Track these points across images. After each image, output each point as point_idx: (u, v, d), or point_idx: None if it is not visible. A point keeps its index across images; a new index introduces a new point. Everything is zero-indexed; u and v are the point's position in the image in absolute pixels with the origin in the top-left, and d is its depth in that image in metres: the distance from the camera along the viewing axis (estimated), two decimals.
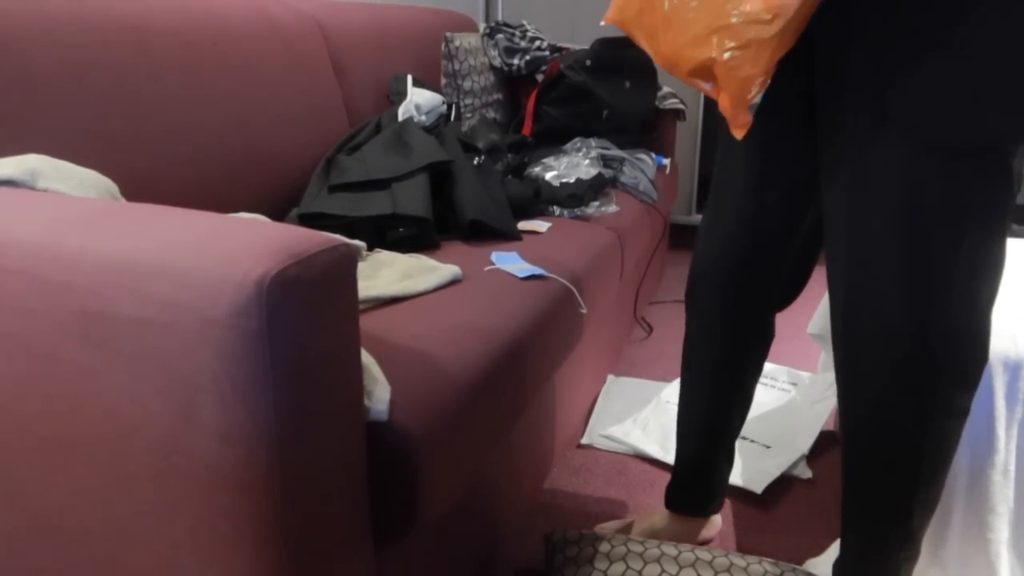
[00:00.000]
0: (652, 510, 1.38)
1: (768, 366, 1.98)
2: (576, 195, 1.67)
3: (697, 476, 1.26)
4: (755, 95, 0.85)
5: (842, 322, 0.93)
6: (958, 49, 0.79)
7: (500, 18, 2.99)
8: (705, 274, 1.13)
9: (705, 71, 0.85)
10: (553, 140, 2.03)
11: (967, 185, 0.82)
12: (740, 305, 1.11)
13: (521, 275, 1.19)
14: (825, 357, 1.75)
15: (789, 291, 1.13)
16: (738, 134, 0.87)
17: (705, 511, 1.28)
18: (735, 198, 1.06)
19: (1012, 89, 0.78)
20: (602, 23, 0.96)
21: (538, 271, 1.22)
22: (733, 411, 1.21)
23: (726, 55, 0.82)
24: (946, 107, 0.80)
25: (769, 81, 0.84)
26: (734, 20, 0.81)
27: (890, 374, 0.90)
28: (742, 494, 1.46)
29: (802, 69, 0.95)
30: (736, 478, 1.49)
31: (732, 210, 1.07)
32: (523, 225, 1.50)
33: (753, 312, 1.12)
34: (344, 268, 0.65)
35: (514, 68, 2.29)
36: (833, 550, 1.20)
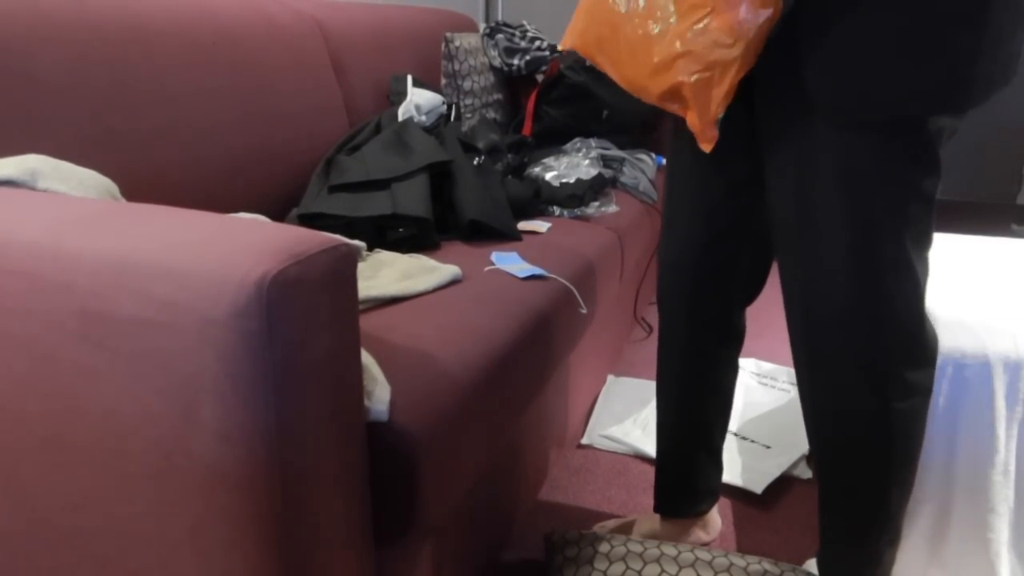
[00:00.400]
0: (653, 511, 1.38)
1: (768, 366, 1.98)
2: (576, 195, 1.67)
3: (678, 477, 1.26)
4: (720, 112, 0.90)
5: (800, 313, 0.96)
6: (862, 25, 0.82)
7: (500, 18, 2.99)
8: (667, 276, 1.16)
9: (675, 94, 0.90)
10: (553, 140, 2.03)
11: (900, 166, 0.86)
12: (701, 304, 1.14)
13: (521, 275, 1.19)
14: None
15: (751, 287, 1.15)
16: (706, 147, 0.92)
17: (693, 511, 1.28)
18: (685, 201, 1.10)
19: (915, 59, 0.81)
20: (560, 48, 1.00)
21: (538, 271, 1.22)
22: (709, 410, 1.21)
23: (693, 78, 0.87)
24: (856, 84, 0.83)
25: (732, 98, 0.89)
26: (697, 48, 0.86)
27: (849, 361, 0.92)
28: (742, 494, 1.46)
29: None
30: (736, 478, 1.49)
31: (684, 211, 1.11)
32: (523, 225, 1.50)
33: (715, 310, 1.14)
34: (344, 268, 0.65)
35: (514, 68, 2.29)
36: None
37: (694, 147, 1.06)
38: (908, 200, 0.87)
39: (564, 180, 1.70)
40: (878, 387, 0.92)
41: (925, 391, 0.95)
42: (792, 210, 0.92)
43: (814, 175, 0.89)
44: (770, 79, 0.92)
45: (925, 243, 0.90)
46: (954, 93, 0.82)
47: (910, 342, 0.92)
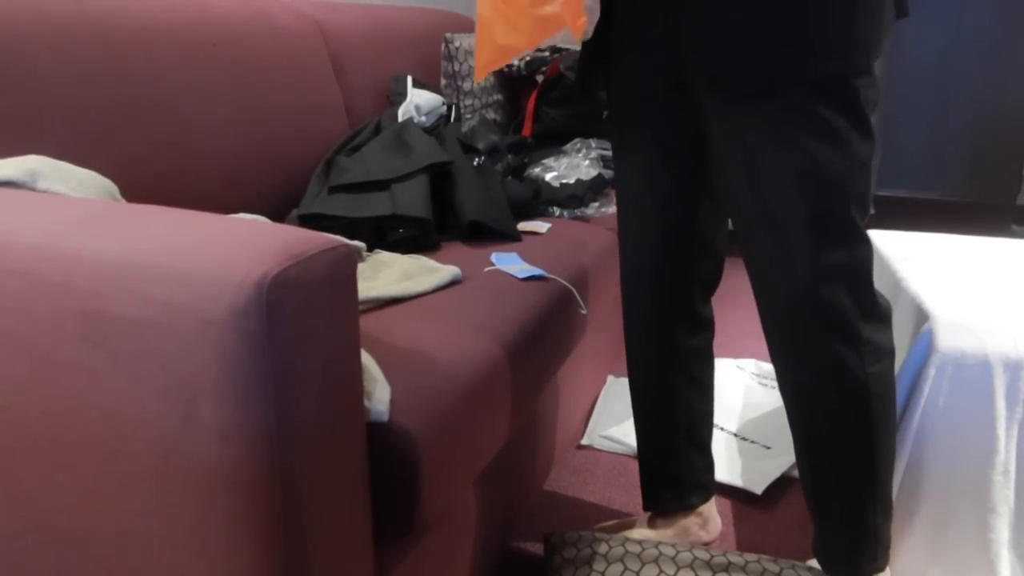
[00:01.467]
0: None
1: (768, 366, 1.98)
2: (576, 196, 1.67)
3: (658, 467, 1.27)
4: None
5: (770, 297, 0.98)
6: (748, 5, 0.87)
7: None
8: (626, 270, 1.19)
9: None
10: (553, 141, 2.03)
11: (841, 134, 0.90)
12: (663, 296, 1.17)
13: (521, 276, 1.19)
14: None
15: (710, 276, 1.19)
16: (577, 34, 0.96)
17: (680, 505, 1.28)
18: (636, 196, 1.14)
19: (804, 26, 0.87)
20: (476, 81, 1.06)
21: (538, 272, 1.22)
22: (686, 399, 1.23)
23: None
24: (747, 55, 0.89)
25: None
26: None
27: (823, 330, 0.95)
28: (742, 495, 1.46)
29: (673, 59, 1.02)
30: (736, 479, 1.49)
31: (636, 206, 1.15)
32: (523, 226, 1.50)
33: (677, 301, 1.17)
34: (344, 268, 0.65)
35: (514, 69, 2.29)
36: None
37: (641, 143, 1.10)
38: (851, 165, 0.91)
39: (564, 180, 1.70)
40: (853, 350, 0.96)
41: (891, 353, 1.00)
42: (746, 191, 0.95)
43: (761, 154, 0.92)
44: (696, 73, 0.97)
45: (866, 208, 0.95)
46: (842, 55, 0.87)
47: (872, 304, 0.96)
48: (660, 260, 1.15)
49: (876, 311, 0.97)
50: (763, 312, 1.01)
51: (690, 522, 1.30)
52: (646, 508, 1.30)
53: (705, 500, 1.30)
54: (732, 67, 0.91)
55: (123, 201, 0.92)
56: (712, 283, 1.20)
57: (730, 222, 1.10)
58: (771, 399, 1.81)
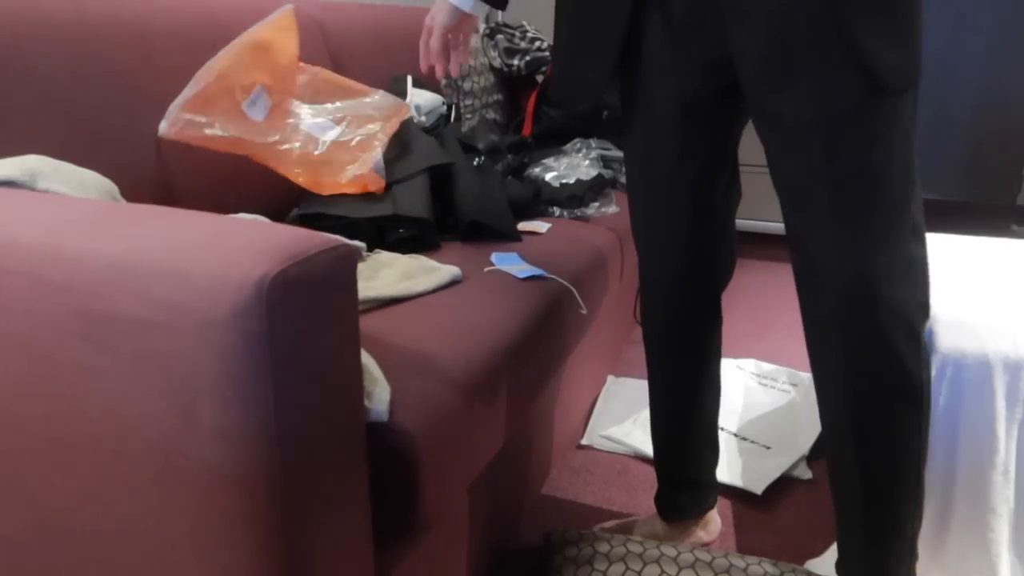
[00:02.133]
0: (654, 513, 1.38)
1: (768, 366, 1.98)
2: (576, 196, 1.67)
3: (682, 472, 1.26)
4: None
5: (839, 291, 0.93)
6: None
7: (500, 19, 2.99)
8: (654, 276, 1.17)
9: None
10: (553, 141, 2.03)
11: (911, 132, 0.91)
12: (687, 290, 1.16)
13: (521, 276, 1.19)
14: None
15: (728, 271, 1.19)
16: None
17: (699, 508, 1.28)
18: (660, 191, 1.10)
19: (918, 29, 0.89)
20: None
21: (538, 272, 1.22)
22: (702, 395, 1.22)
23: None
24: (906, 50, 0.88)
25: None
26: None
27: (894, 328, 0.93)
28: (742, 495, 1.46)
29: (720, 64, 0.98)
30: (736, 479, 1.49)
31: (660, 201, 1.11)
32: (523, 226, 1.50)
33: (704, 304, 1.17)
34: (344, 269, 0.65)
35: (514, 69, 2.29)
36: (833, 551, 1.20)
37: (684, 149, 1.07)
38: (915, 164, 0.92)
39: (564, 180, 1.70)
40: (915, 353, 0.94)
41: (929, 358, 0.99)
42: (822, 186, 0.91)
43: (850, 149, 0.90)
44: (775, 62, 0.91)
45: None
46: (920, 60, 0.90)
47: (928, 305, 0.95)
48: (692, 266, 1.13)
49: (927, 313, 0.95)
50: (817, 314, 0.97)
51: (693, 523, 1.30)
52: (664, 516, 1.29)
53: (715, 500, 1.30)
54: (894, 62, 0.88)
55: (123, 201, 0.92)
56: (727, 282, 1.21)
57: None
58: (771, 399, 1.81)
